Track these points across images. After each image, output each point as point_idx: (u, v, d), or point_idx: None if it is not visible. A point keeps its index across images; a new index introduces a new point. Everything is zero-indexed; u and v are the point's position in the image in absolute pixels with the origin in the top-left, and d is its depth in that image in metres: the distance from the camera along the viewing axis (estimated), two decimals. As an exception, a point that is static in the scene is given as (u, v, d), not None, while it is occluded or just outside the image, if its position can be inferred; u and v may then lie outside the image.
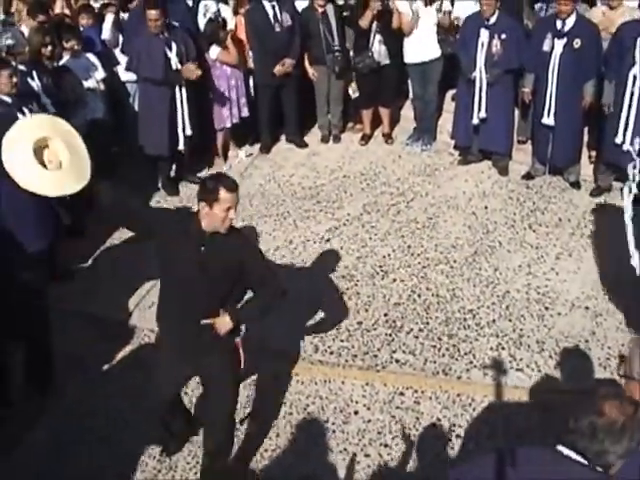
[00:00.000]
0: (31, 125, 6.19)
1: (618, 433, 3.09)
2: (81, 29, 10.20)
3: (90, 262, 8.74)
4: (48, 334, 6.87)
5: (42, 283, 6.93)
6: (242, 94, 10.56)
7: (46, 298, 6.90)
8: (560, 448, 3.19)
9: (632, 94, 8.73)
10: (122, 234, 9.19)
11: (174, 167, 10.33)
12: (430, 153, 10.73)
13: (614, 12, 9.56)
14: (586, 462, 3.12)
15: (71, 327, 7.45)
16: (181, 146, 9.82)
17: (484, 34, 9.40)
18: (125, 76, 10.40)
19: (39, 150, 5.86)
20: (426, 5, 10.23)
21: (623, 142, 8.83)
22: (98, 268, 8.66)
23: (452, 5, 10.36)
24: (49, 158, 5.88)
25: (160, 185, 10.21)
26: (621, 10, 9.51)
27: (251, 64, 10.78)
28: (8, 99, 7.43)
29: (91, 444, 6.31)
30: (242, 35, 10.71)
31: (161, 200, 10.03)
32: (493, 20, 9.40)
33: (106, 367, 7.16)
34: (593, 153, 10.00)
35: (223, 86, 10.27)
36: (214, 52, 10.10)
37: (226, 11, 10.69)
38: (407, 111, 11.50)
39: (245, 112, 10.65)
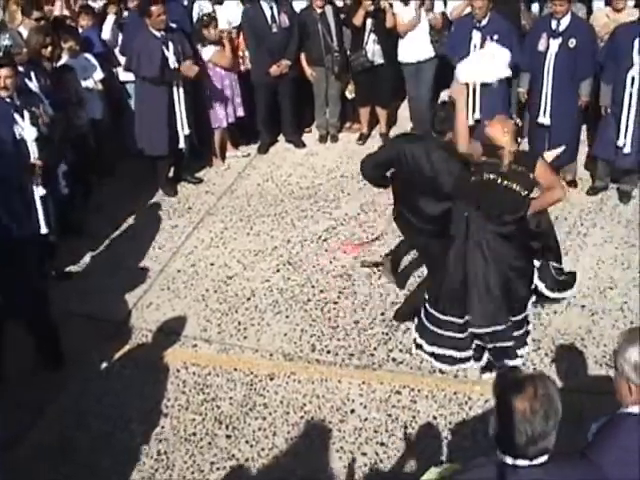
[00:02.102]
0: None
1: (533, 416, 3.05)
2: (81, 30, 10.26)
3: (88, 261, 8.79)
4: (48, 311, 7.08)
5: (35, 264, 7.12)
6: (237, 94, 10.58)
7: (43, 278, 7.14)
8: (506, 459, 3.16)
9: (631, 95, 8.74)
10: (119, 233, 9.27)
11: (172, 167, 10.35)
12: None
13: (620, 14, 9.54)
14: (526, 462, 3.11)
15: (69, 327, 7.46)
16: (182, 145, 9.86)
17: (476, 36, 9.34)
18: (124, 76, 10.44)
19: None
20: (420, 7, 10.22)
21: (624, 144, 8.87)
22: (96, 268, 8.70)
23: (445, 5, 10.38)
24: None
25: (159, 185, 10.23)
26: (627, 12, 9.48)
27: (248, 64, 10.80)
28: (7, 98, 7.45)
29: (89, 443, 6.34)
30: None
31: (159, 200, 10.07)
32: (485, 22, 9.35)
33: (104, 366, 7.19)
34: (591, 152, 10.03)
35: (217, 86, 10.30)
36: (207, 53, 10.13)
37: (222, 12, 10.70)
38: (404, 111, 11.49)
39: (240, 112, 10.68)
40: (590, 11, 10.40)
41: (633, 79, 8.65)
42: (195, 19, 10.59)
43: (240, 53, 10.79)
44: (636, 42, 8.56)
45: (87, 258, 8.82)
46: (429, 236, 6.83)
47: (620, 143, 8.87)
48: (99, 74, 9.81)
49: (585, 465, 3.29)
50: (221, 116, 10.45)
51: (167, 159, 10.05)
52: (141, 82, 9.69)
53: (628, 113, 8.78)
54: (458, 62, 9.46)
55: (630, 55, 8.62)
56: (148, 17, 9.34)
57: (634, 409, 3.42)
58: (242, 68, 10.83)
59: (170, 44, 9.44)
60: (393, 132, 11.30)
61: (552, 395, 3.12)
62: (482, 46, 9.32)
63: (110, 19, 10.57)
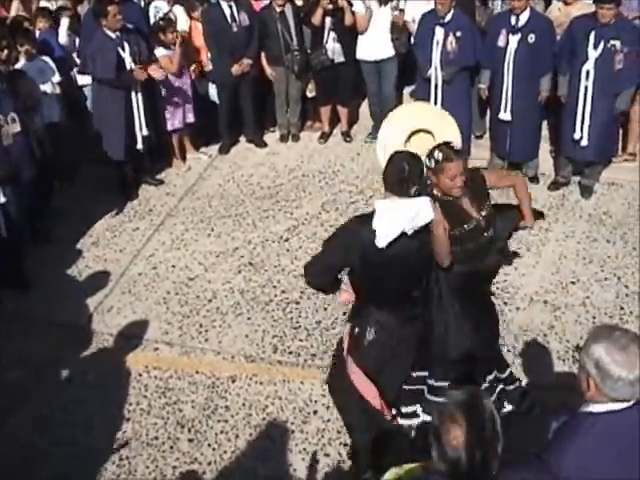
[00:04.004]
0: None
1: (480, 442, 3.03)
2: (38, 33, 10.16)
3: (49, 268, 8.66)
4: None
5: None
6: (189, 100, 10.47)
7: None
8: None
9: (586, 89, 8.78)
10: (80, 236, 9.19)
11: (132, 169, 10.24)
12: (389, 150, 10.68)
13: (570, 8, 9.58)
14: None
15: (31, 333, 7.48)
16: (139, 146, 9.74)
17: (439, 32, 9.32)
18: (82, 80, 10.34)
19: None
20: (380, 5, 10.19)
21: (581, 137, 8.90)
22: (56, 273, 8.60)
23: (405, 1, 10.32)
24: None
25: (119, 187, 10.12)
26: (578, 6, 9.53)
27: (209, 66, 10.76)
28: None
29: (53, 448, 6.30)
30: (196, 39, 10.73)
31: (120, 203, 9.96)
32: (448, 18, 9.30)
33: (67, 372, 7.13)
34: (552, 147, 10.06)
35: (169, 89, 10.18)
36: (158, 55, 10.02)
37: (180, 13, 10.62)
38: (365, 109, 11.43)
39: (190, 118, 10.56)
40: (549, 5, 10.42)
41: (588, 73, 8.71)
42: (152, 20, 10.51)
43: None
44: (591, 36, 8.60)
45: (47, 263, 8.71)
46: None
47: (576, 136, 8.92)
48: (57, 77, 9.68)
49: (542, 470, 3.28)
50: (171, 119, 10.35)
51: (127, 162, 9.91)
52: (98, 84, 9.55)
53: (584, 106, 8.84)
54: (422, 57, 9.47)
55: (585, 49, 8.67)
56: (104, 18, 9.20)
57: (594, 408, 3.39)
58: (193, 76, 10.75)
59: (126, 45, 9.30)
60: (354, 130, 11.31)
61: (493, 412, 3.12)
62: (444, 42, 9.30)
63: (64, 23, 10.47)
